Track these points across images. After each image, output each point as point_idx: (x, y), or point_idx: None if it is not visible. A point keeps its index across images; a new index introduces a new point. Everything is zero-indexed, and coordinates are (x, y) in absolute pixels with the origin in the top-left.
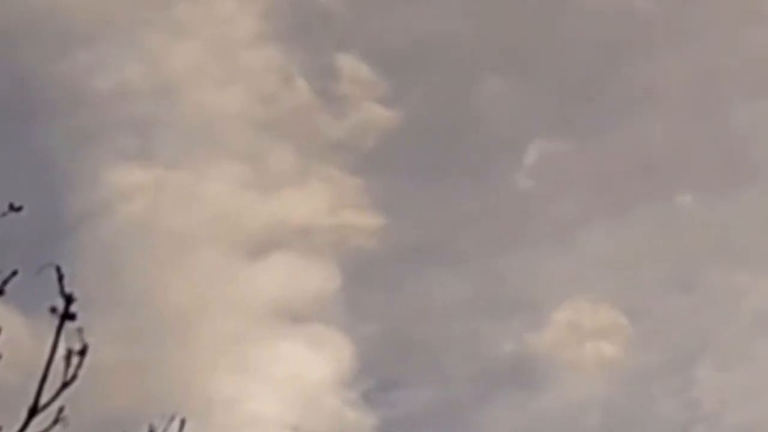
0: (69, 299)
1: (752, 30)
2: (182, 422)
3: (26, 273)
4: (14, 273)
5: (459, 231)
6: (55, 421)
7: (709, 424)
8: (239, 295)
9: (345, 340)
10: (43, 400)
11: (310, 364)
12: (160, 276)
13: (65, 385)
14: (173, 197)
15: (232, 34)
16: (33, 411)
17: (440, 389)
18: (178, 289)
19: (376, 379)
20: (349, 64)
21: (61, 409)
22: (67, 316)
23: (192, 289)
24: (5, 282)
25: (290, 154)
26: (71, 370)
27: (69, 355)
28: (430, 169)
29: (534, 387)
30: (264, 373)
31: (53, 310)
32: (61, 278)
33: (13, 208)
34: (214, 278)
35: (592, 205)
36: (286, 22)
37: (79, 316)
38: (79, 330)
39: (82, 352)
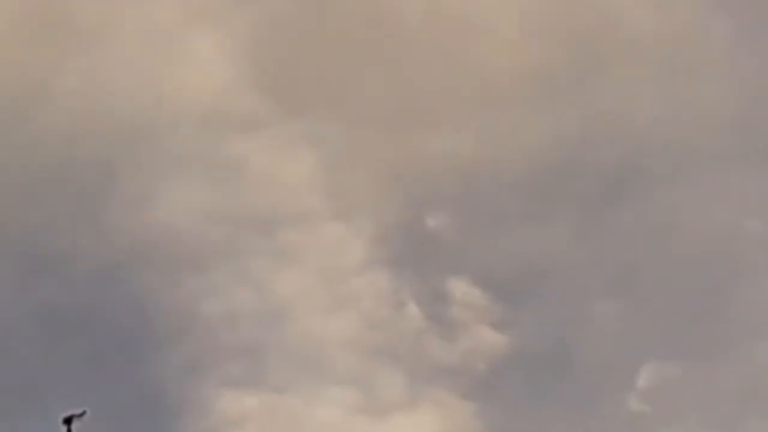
0: None
1: None
2: None
3: None
4: None
5: None
6: None
7: None
8: None
9: None
10: None
11: None
12: None
13: None
14: (283, 423)
15: (341, 260)
16: None
17: None
18: None
19: None
20: (459, 288)
21: None
22: None
23: None
24: None
25: (400, 378)
26: None
27: None
28: (541, 393)
29: None
30: None
31: None
32: None
33: None
34: None
35: (706, 429)
36: (396, 247)
37: None
38: None
39: None
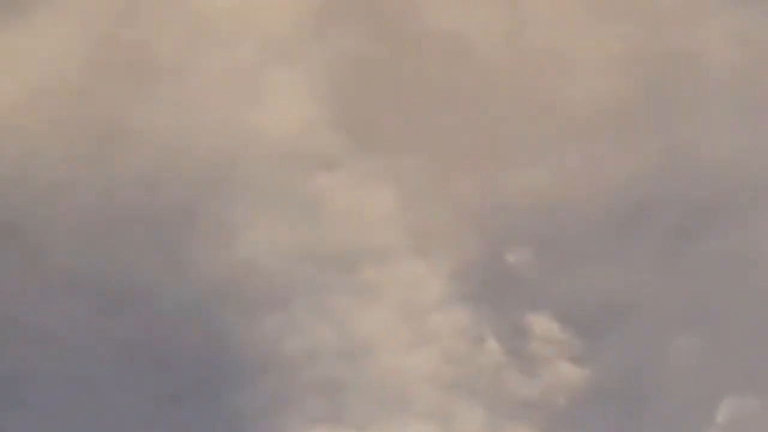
0: None
1: None
2: None
3: None
4: None
5: None
6: None
7: None
8: None
9: None
10: None
11: None
12: None
13: None
14: None
15: (420, 296)
16: None
17: None
18: None
19: None
20: (539, 323)
21: None
22: None
23: None
24: None
25: (480, 413)
26: None
27: None
28: (621, 428)
29: None
30: None
31: None
32: None
33: None
34: None
35: None
36: (475, 282)
37: None
38: None
39: None
